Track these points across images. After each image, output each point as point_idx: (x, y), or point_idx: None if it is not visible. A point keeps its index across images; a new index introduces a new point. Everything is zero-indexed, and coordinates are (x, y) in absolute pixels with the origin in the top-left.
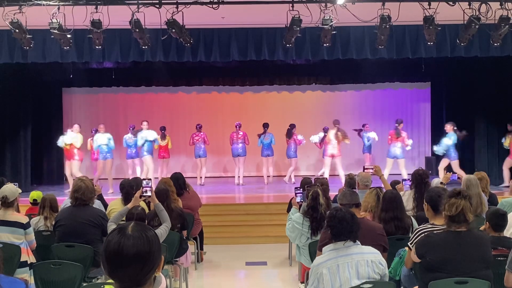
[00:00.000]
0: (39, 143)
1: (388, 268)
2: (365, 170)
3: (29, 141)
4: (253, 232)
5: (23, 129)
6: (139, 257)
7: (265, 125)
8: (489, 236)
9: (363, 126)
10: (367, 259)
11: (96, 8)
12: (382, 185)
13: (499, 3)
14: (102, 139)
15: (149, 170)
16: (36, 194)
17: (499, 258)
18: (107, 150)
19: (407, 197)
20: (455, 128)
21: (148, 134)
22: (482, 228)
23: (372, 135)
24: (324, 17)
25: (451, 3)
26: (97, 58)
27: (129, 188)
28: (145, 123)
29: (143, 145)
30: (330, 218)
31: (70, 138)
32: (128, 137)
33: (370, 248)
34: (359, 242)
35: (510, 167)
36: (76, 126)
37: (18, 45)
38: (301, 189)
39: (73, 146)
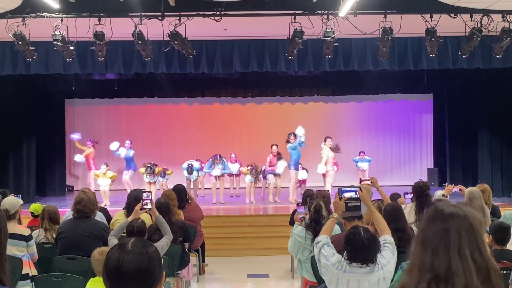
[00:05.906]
0: (42, 154)
1: (391, 282)
2: (362, 182)
3: (33, 153)
4: (255, 244)
5: (26, 141)
6: (139, 273)
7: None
8: (492, 249)
9: (360, 153)
10: (379, 277)
11: (99, 20)
12: (381, 197)
13: (500, 15)
14: None
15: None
16: (34, 207)
17: (502, 272)
18: None
19: (408, 209)
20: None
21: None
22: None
23: (364, 166)
24: (326, 29)
25: (453, 15)
26: (100, 69)
27: (132, 199)
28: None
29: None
30: (347, 241)
31: None
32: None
33: (381, 261)
34: (377, 260)
35: None
36: None
37: (21, 57)
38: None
39: None
